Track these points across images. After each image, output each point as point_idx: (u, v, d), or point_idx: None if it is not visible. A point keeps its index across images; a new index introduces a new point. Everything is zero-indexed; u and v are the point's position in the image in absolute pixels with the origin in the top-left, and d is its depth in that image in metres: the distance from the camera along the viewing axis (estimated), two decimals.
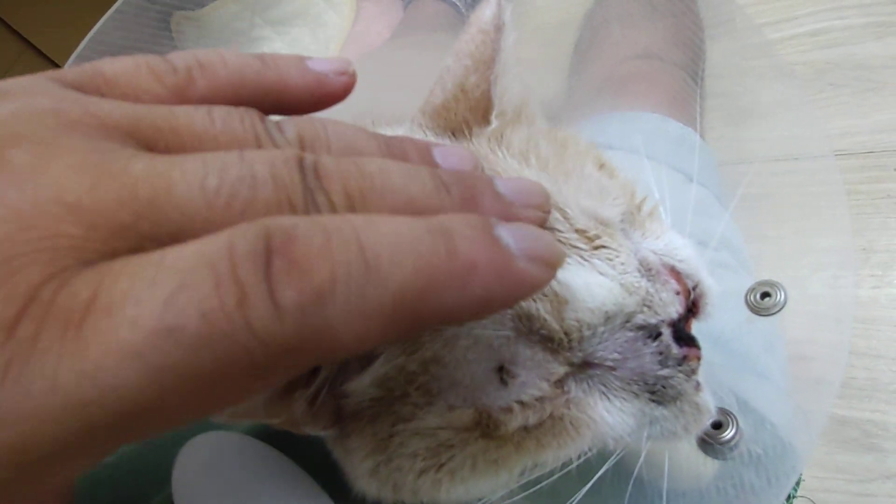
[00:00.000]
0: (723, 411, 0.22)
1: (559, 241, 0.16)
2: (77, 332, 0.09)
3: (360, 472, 0.18)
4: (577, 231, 0.17)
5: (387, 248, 0.11)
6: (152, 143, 0.12)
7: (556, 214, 0.17)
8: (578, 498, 0.19)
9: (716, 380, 0.26)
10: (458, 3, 0.75)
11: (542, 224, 0.14)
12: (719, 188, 0.47)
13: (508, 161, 0.18)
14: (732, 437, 0.21)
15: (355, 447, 0.18)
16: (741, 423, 0.21)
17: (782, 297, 0.23)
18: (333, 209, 0.11)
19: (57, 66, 0.86)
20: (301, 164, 0.12)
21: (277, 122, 0.13)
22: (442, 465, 0.17)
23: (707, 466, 0.25)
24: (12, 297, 0.09)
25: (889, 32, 0.59)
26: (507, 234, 0.12)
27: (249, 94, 0.14)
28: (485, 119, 0.20)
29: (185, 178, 0.11)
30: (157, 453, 0.22)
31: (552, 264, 0.13)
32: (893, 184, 0.54)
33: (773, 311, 0.23)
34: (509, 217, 0.13)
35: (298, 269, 0.10)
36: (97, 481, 0.22)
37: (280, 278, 0.10)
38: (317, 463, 0.21)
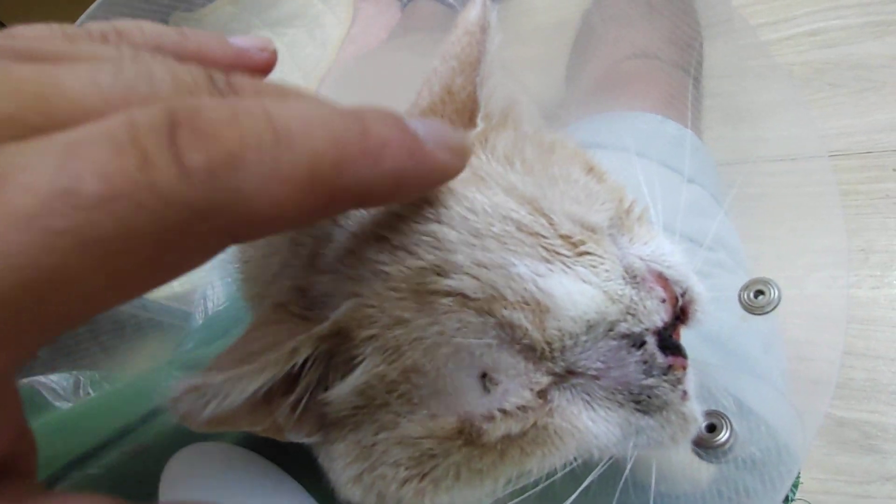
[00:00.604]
0: (717, 414, 0.21)
1: (543, 247, 0.16)
2: None
3: (344, 479, 0.18)
4: (560, 237, 0.16)
5: (297, 121, 0.11)
6: (50, 62, 0.11)
7: (540, 220, 0.16)
8: None
9: (712, 380, 0.25)
10: (455, 5, 0.75)
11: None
12: (717, 188, 0.47)
13: (493, 165, 0.18)
14: (727, 441, 0.21)
15: (339, 455, 0.18)
16: (735, 426, 0.21)
17: (776, 294, 0.22)
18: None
19: None
20: (210, 76, 0.12)
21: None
22: (425, 475, 0.17)
23: (703, 470, 0.24)
24: None
25: (888, 32, 0.59)
26: (416, 124, 0.13)
27: None
28: (471, 121, 0.19)
29: (76, 76, 0.10)
30: (143, 465, 0.22)
31: (461, 153, 0.13)
32: (892, 184, 0.54)
33: (767, 310, 0.23)
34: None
35: (205, 136, 0.10)
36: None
37: (186, 144, 0.10)
38: (302, 469, 0.21)
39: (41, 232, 0.09)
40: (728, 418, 0.20)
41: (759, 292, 0.22)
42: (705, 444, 0.20)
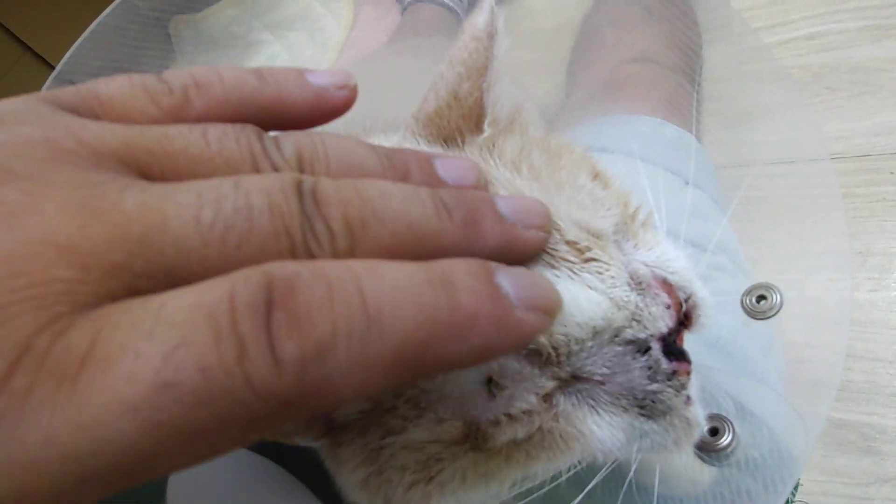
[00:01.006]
0: (719, 418, 0.22)
1: (548, 252, 0.16)
2: (73, 386, 0.09)
3: (351, 483, 0.18)
4: (567, 243, 0.17)
5: (388, 300, 0.10)
6: (146, 169, 0.11)
7: None
8: None
9: (714, 383, 0.25)
10: (455, 8, 0.75)
11: (544, 244, 0.14)
12: (716, 191, 0.47)
13: (500, 170, 0.18)
14: (729, 444, 0.21)
15: (346, 458, 0.18)
16: (738, 430, 0.21)
17: (778, 299, 0.22)
18: (333, 238, 0.11)
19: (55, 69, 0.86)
20: (299, 189, 0.11)
21: (275, 139, 0.13)
22: (432, 478, 0.17)
23: (705, 473, 0.25)
24: (5, 349, 0.09)
25: (885, 35, 0.59)
26: (507, 282, 0.12)
27: (248, 112, 0.14)
28: (477, 127, 0.20)
29: (179, 213, 0.10)
30: None
31: (550, 312, 0.13)
32: (890, 187, 0.54)
33: (770, 315, 0.23)
34: (511, 239, 0.13)
35: (299, 323, 0.10)
36: None
37: (281, 332, 0.10)
38: (309, 473, 0.21)
39: (141, 423, 0.09)
40: (730, 422, 0.21)
41: (762, 297, 0.22)
42: (708, 448, 0.20)
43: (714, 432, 0.20)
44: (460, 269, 0.12)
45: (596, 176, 0.19)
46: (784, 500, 0.24)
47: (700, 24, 0.58)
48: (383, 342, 0.10)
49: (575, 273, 0.16)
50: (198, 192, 0.11)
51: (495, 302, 0.12)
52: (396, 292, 0.11)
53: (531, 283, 0.13)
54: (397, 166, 0.14)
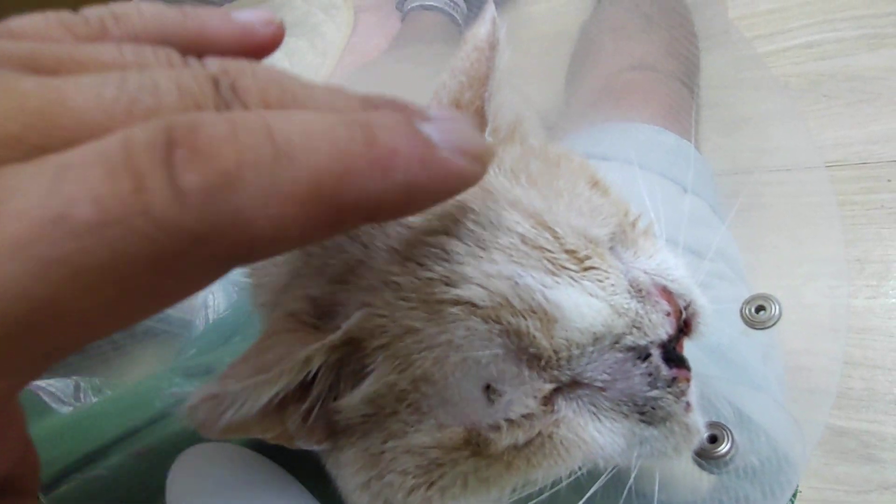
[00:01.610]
0: (718, 425, 0.22)
1: (548, 260, 0.16)
2: None
3: (352, 486, 0.18)
4: (566, 252, 0.17)
5: (298, 134, 0.10)
6: (53, 72, 0.11)
7: (545, 234, 0.17)
8: None
9: (713, 391, 0.26)
10: (454, 15, 0.76)
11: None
12: (715, 198, 0.47)
13: (499, 179, 0.18)
14: (728, 452, 0.21)
15: (347, 462, 0.18)
16: (736, 437, 0.21)
17: (777, 310, 0.23)
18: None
19: None
20: (215, 81, 0.11)
21: (199, 59, 0.12)
22: (432, 483, 0.17)
23: (704, 480, 0.25)
24: None
25: (882, 44, 0.60)
26: (430, 127, 0.11)
27: (169, 44, 0.13)
28: None
29: (80, 90, 0.10)
30: (149, 466, 0.22)
31: (480, 158, 0.12)
32: (887, 194, 0.55)
33: (768, 325, 0.23)
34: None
35: (201, 155, 0.09)
36: (89, 494, 0.22)
37: (182, 165, 0.09)
38: (310, 474, 0.21)
39: (33, 261, 0.08)
40: (729, 429, 0.21)
41: (761, 307, 0.22)
42: (707, 455, 0.20)
43: (713, 440, 0.20)
44: (378, 116, 0.11)
45: (595, 184, 0.20)
46: None
47: (698, 32, 0.59)
48: (295, 172, 0.10)
49: (575, 280, 0.16)
50: (100, 76, 0.10)
51: (417, 140, 0.11)
52: (307, 127, 0.10)
53: (458, 129, 0.12)
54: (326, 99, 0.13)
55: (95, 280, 0.09)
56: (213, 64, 0.12)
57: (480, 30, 0.20)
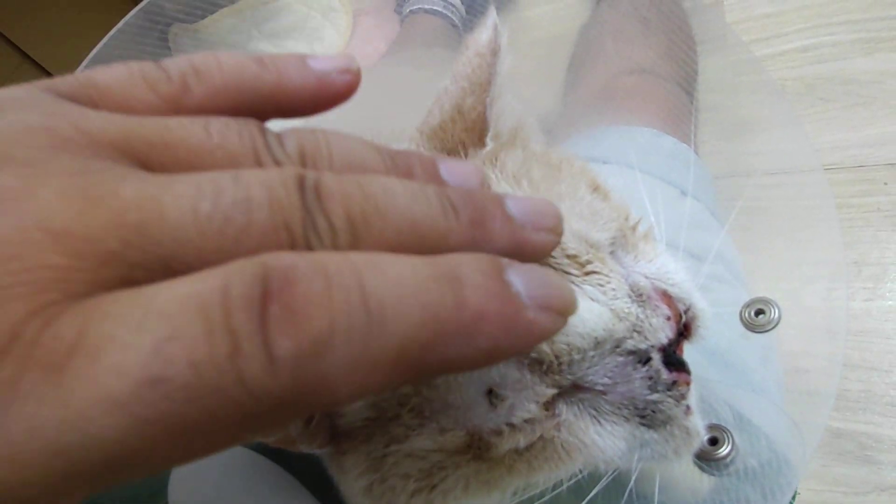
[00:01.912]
0: (718, 428, 0.22)
1: (550, 265, 0.17)
2: (60, 377, 0.09)
3: (355, 489, 0.18)
4: (567, 256, 0.17)
5: (391, 296, 0.10)
6: (145, 160, 0.11)
7: None
8: None
9: (713, 394, 0.26)
10: (453, 18, 0.76)
11: (554, 247, 0.13)
12: (713, 202, 0.48)
13: (501, 184, 0.18)
14: (728, 454, 0.21)
15: (350, 465, 0.18)
16: (737, 440, 0.21)
17: (776, 314, 0.23)
18: (334, 234, 0.11)
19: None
20: (301, 183, 0.11)
21: (278, 135, 0.13)
22: (434, 487, 0.17)
23: (704, 481, 0.25)
24: None
25: (878, 48, 0.60)
26: (518, 279, 0.11)
27: (248, 99, 0.13)
28: (480, 140, 0.20)
29: (177, 203, 0.10)
30: None
31: (564, 312, 0.12)
32: (884, 197, 0.55)
33: (768, 328, 0.23)
34: (520, 242, 0.13)
35: (296, 317, 0.09)
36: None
37: (276, 327, 0.09)
38: (312, 477, 0.21)
39: (129, 419, 0.09)
40: (729, 432, 0.21)
41: (760, 311, 0.22)
42: (707, 457, 0.20)
43: (713, 442, 0.20)
44: (468, 265, 0.11)
45: (595, 188, 0.20)
46: None
47: (696, 37, 0.59)
48: (385, 340, 0.10)
49: (577, 286, 0.17)
50: (196, 183, 0.11)
51: (505, 300, 0.11)
52: (399, 287, 0.10)
53: (544, 281, 0.12)
54: (400, 166, 0.13)
55: (185, 437, 0.09)
56: (292, 143, 0.12)
57: (482, 35, 0.20)
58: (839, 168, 0.57)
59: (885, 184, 0.56)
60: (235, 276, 0.10)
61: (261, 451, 0.22)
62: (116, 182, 0.10)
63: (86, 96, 0.12)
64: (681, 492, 0.25)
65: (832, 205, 0.36)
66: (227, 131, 0.12)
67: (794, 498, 0.31)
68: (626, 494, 0.19)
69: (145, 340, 0.09)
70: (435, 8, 0.75)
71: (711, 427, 0.21)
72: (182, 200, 0.10)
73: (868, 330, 0.51)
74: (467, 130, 0.20)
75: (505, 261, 0.12)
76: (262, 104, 0.14)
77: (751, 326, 0.22)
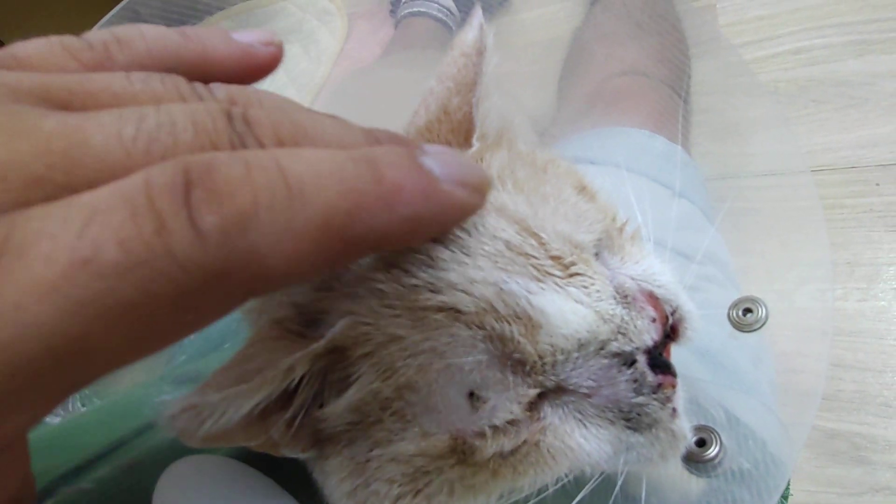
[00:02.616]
0: (706, 429, 0.22)
1: (534, 266, 0.16)
2: None
3: (339, 494, 0.18)
4: (551, 258, 0.17)
5: (309, 174, 0.11)
6: (66, 105, 0.11)
7: (531, 240, 0.17)
8: None
9: (703, 394, 0.26)
10: (448, 21, 0.76)
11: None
12: (706, 202, 0.48)
13: None
14: (716, 455, 0.21)
15: (333, 470, 0.18)
16: (725, 440, 0.21)
17: (763, 312, 0.23)
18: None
19: None
20: (228, 114, 0.11)
21: (207, 85, 0.13)
22: (419, 491, 0.17)
23: (693, 483, 0.25)
24: None
25: (868, 50, 0.60)
26: (432, 160, 0.12)
27: (172, 67, 0.14)
28: (466, 141, 0.20)
29: (102, 129, 0.10)
30: (137, 479, 0.22)
31: (479, 188, 0.13)
32: (875, 198, 0.55)
33: (756, 328, 0.23)
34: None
35: (219, 197, 0.10)
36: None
37: (200, 206, 0.10)
38: (299, 483, 0.21)
39: (63, 302, 0.09)
40: (717, 433, 0.21)
41: (748, 310, 0.22)
42: (695, 459, 0.20)
43: (701, 443, 0.20)
44: (383, 152, 0.12)
45: (582, 189, 0.20)
46: None
47: (688, 39, 0.59)
48: (308, 212, 0.10)
49: (560, 287, 0.16)
50: (119, 113, 0.11)
51: (420, 175, 0.12)
52: (318, 166, 0.11)
53: (457, 162, 0.13)
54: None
55: (122, 318, 0.09)
56: (221, 91, 0.13)
57: (468, 35, 0.20)
58: (832, 169, 0.58)
59: (878, 185, 0.56)
60: (156, 170, 0.10)
61: (247, 459, 0.22)
62: (38, 119, 0.10)
63: (5, 66, 0.12)
64: (670, 494, 0.25)
65: (819, 206, 0.36)
66: (149, 79, 0.12)
67: (786, 498, 0.31)
68: (613, 498, 0.19)
69: (71, 228, 0.09)
70: (430, 12, 0.75)
71: (699, 428, 0.21)
72: (106, 127, 0.11)
73: (861, 330, 0.51)
74: (453, 131, 0.20)
75: (418, 147, 0.12)
76: (186, 73, 0.14)
77: (739, 326, 0.22)
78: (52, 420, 0.28)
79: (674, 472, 0.23)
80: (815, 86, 0.62)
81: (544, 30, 0.76)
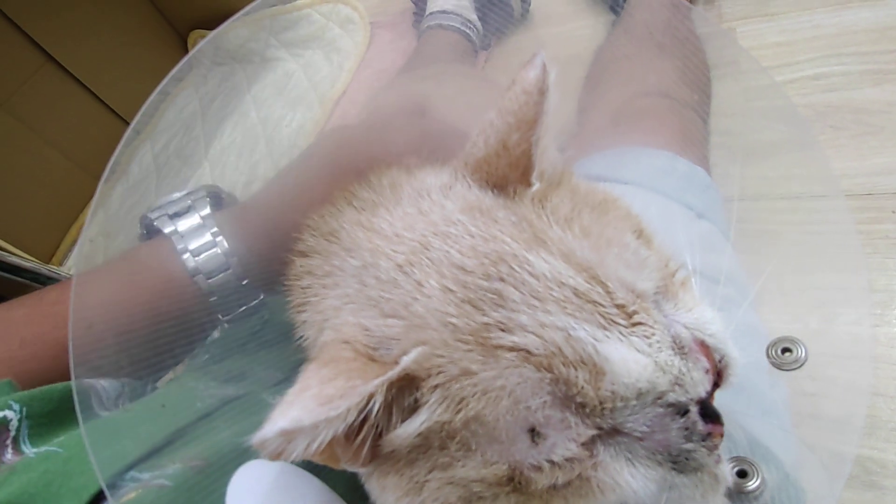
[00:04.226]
0: (746, 461, 0.22)
1: (601, 314, 0.17)
2: None
3: None
4: (616, 306, 0.17)
5: None
6: None
7: (598, 289, 0.17)
8: None
9: (725, 416, 0.26)
10: (470, 34, 0.77)
11: None
12: (725, 224, 0.48)
13: (553, 228, 0.19)
14: (758, 487, 0.21)
15: (390, 486, 0.19)
16: (765, 474, 0.22)
17: (803, 353, 0.23)
18: None
19: (104, 102, 0.86)
20: None
21: None
22: None
23: None
24: None
25: (885, 80, 0.61)
26: None
27: None
28: (525, 178, 0.20)
29: None
30: (209, 480, 0.23)
31: None
32: (891, 225, 0.56)
33: (794, 367, 0.23)
34: None
35: None
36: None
37: None
38: (352, 492, 0.22)
39: None
40: (758, 465, 0.21)
41: (787, 350, 0.23)
42: (737, 489, 0.20)
43: (742, 475, 0.21)
44: None
45: (640, 234, 0.20)
46: None
47: (709, 61, 0.60)
48: None
49: (624, 336, 0.17)
50: None
51: None
52: None
53: None
54: None
55: None
56: None
57: (529, 73, 0.20)
58: (848, 195, 0.58)
59: (893, 212, 0.57)
60: None
61: (302, 465, 0.23)
62: None
63: None
64: None
65: (853, 230, 0.36)
66: None
67: None
68: None
69: None
70: (453, 24, 0.76)
71: (738, 459, 0.21)
72: None
73: (875, 356, 0.52)
74: (511, 166, 0.20)
75: None
76: None
77: (778, 365, 0.23)
78: (104, 415, 0.28)
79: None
80: (832, 112, 0.62)
81: (563, 47, 0.77)
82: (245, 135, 0.78)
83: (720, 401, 0.23)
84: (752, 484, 0.20)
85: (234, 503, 0.20)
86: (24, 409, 0.27)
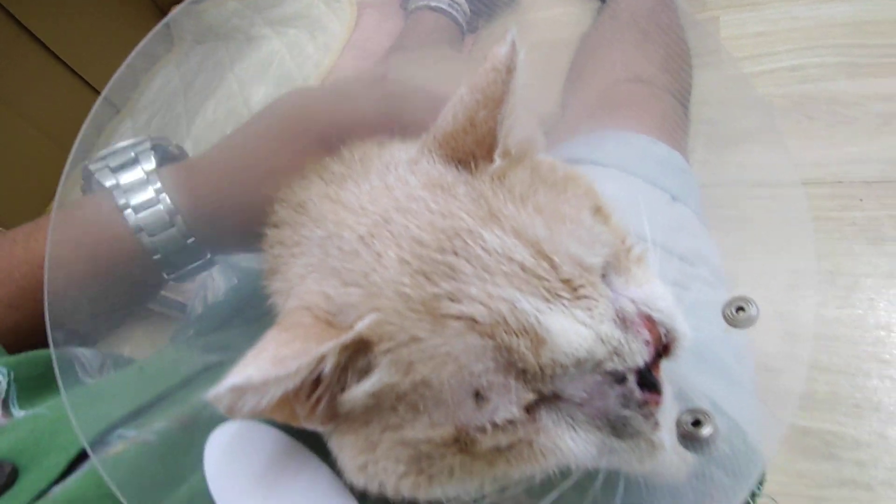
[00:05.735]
0: (701, 411, 0.23)
1: (545, 288, 0.18)
2: None
3: (351, 466, 0.20)
4: (562, 281, 0.18)
5: None
6: None
7: (544, 264, 0.18)
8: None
9: (691, 385, 0.28)
10: (457, 17, 0.77)
11: None
12: (699, 208, 0.50)
13: (507, 205, 0.19)
14: (710, 434, 0.23)
15: (348, 445, 0.20)
16: (717, 423, 0.23)
17: (755, 311, 0.24)
18: None
19: (82, 78, 0.85)
20: None
21: None
22: (422, 472, 0.19)
23: (683, 468, 0.27)
24: None
25: (859, 73, 0.63)
26: None
27: None
28: (489, 154, 0.21)
29: None
30: (192, 436, 0.23)
31: None
32: (859, 213, 0.58)
33: (747, 325, 0.24)
34: None
35: None
36: (143, 458, 0.23)
37: None
38: (314, 446, 0.23)
39: None
40: (710, 415, 0.22)
41: (741, 308, 0.24)
42: (691, 437, 0.21)
43: (696, 423, 0.22)
44: None
45: (597, 210, 0.21)
46: (749, 490, 0.26)
47: (691, 50, 0.61)
48: None
49: (566, 308, 0.18)
50: None
51: None
52: None
53: None
54: None
55: None
56: None
57: (500, 51, 0.21)
58: (819, 183, 0.60)
59: (861, 200, 0.59)
60: None
61: (274, 424, 0.24)
62: None
63: None
64: (664, 475, 0.27)
65: (809, 218, 0.38)
66: None
67: (762, 483, 0.34)
68: (594, 494, 0.21)
69: None
70: (441, 6, 0.76)
71: (693, 410, 0.22)
72: None
73: (838, 336, 0.54)
74: (477, 143, 0.21)
75: None
76: None
77: (732, 322, 0.24)
78: (89, 381, 0.29)
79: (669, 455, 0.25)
80: (808, 102, 0.64)
81: (550, 31, 0.78)
82: (228, 114, 0.78)
83: (683, 373, 0.24)
84: (706, 431, 0.21)
85: (208, 455, 0.21)
86: (12, 372, 0.28)
